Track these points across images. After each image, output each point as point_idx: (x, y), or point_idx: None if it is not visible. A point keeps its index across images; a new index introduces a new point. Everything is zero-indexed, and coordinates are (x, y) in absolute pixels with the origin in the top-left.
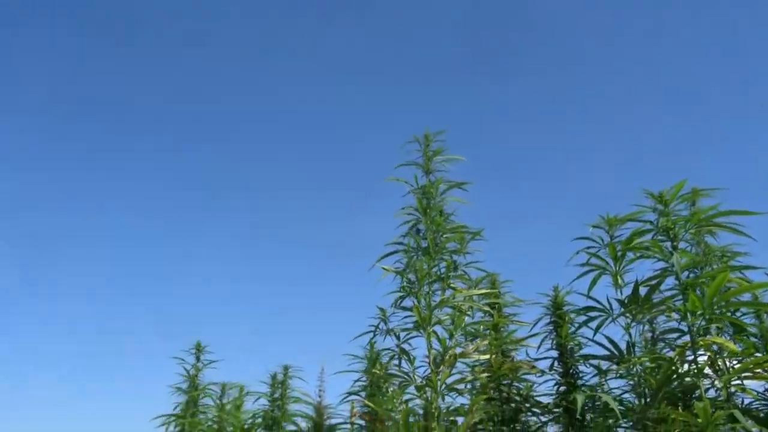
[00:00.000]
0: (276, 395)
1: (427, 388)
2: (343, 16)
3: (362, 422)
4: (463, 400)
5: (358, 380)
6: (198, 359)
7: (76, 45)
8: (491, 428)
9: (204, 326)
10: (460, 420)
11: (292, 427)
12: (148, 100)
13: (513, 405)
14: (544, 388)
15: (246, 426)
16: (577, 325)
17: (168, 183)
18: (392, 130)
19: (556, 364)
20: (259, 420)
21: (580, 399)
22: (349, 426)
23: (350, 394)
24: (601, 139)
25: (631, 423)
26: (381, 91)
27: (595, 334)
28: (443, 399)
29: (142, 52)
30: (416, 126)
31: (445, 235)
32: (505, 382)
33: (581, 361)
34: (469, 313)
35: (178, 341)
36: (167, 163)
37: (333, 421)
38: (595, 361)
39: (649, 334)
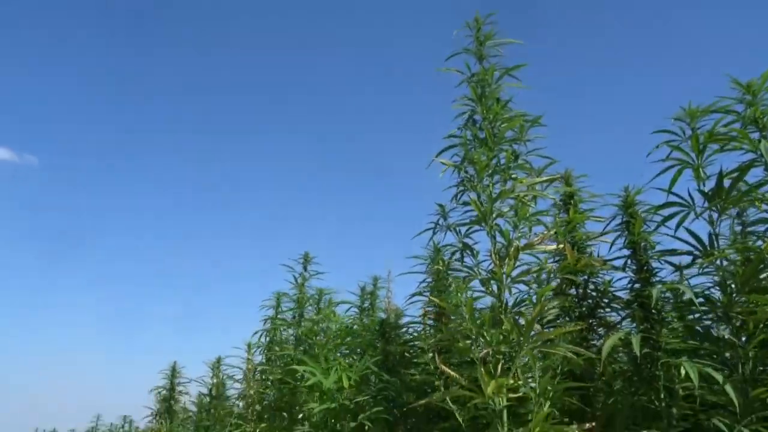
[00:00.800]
0: (365, 305)
1: (492, 282)
2: None
3: (431, 321)
4: (532, 293)
5: (422, 282)
6: (305, 269)
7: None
8: (567, 323)
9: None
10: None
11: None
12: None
13: (590, 301)
14: (619, 286)
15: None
16: (650, 223)
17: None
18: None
19: (629, 262)
20: (353, 328)
21: (655, 292)
22: (420, 326)
23: (415, 294)
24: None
25: (714, 317)
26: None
27: (677, 229)
28: (510, 292)
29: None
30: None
31: (503, 124)
32: (582, 278)
33: (657, 258)
34: (531, 204)
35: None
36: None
37: (402, 321)
38: (675, 260)
39: (738, 227)
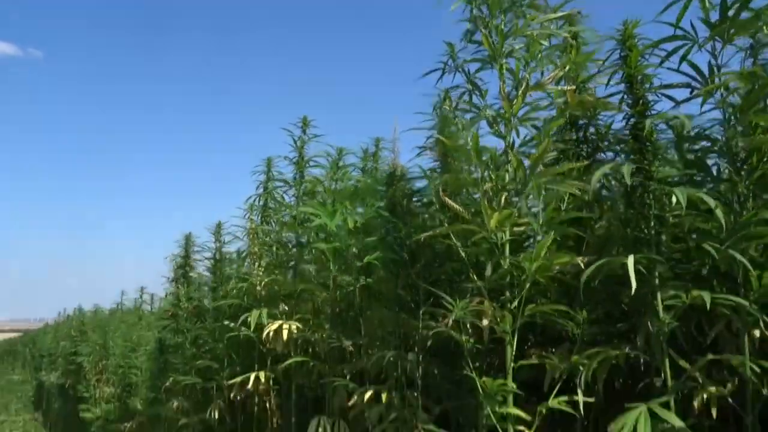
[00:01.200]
0: (368, 166)
1: (499, 121)
2: None
3: (434, 162)
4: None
5: (429, 137)
6: (304, 132)
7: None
8: (566, 165)
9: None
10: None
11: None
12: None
13: (590, 145)
14: (618, 128)
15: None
16: (652, 59)
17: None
18: None
19: (625, 97)
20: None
21: (648, 122)
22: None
23: (423, 148)
24: None
25: (716, 153)
26: None
27: (680, 63)
28: (517, 133)
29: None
30: None
31: None
32: (581, 123)
33: (654, 91)
34: (544, 41)
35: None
36: None
37: (408, 176)
38: (677, 97)
39: (749, 61)
